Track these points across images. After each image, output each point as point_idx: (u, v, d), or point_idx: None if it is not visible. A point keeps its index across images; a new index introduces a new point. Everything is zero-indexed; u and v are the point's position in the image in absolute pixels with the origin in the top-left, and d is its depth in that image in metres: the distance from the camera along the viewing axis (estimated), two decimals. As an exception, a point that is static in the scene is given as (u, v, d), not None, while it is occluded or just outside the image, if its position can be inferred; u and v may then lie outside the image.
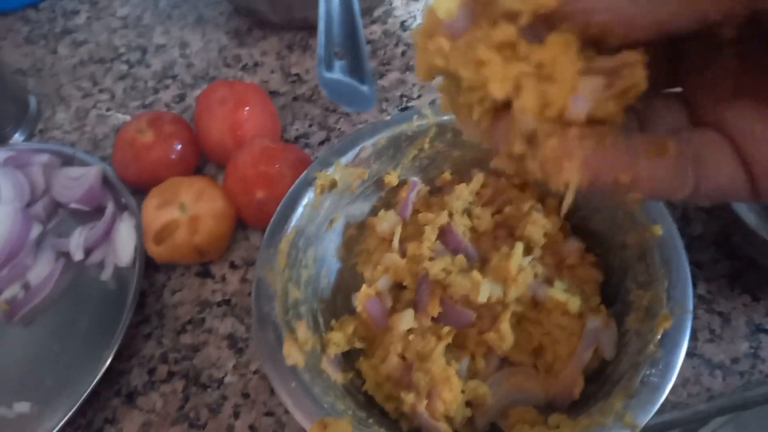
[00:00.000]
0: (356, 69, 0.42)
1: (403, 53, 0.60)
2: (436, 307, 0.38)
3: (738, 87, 0.19)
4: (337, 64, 0.41)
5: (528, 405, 0.37)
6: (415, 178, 0.44)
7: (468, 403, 0.37)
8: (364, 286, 0.39)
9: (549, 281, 0.39)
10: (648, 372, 0.33)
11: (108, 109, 0.61)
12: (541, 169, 0.19)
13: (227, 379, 0.43)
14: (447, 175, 0.44)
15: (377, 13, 0.64)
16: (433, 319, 0.39)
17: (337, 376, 0.37)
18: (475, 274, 0.36)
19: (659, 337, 0.33)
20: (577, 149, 0.18)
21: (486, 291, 0.36)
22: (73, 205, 0.51)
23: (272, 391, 0.42)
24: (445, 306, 0.38)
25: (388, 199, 0.44)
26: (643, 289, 0.36)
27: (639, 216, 0.38)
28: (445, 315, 0.38)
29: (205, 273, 0.48)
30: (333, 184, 0.41)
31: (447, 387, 0.35)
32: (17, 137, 0.59)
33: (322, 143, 0.55)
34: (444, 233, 0.40)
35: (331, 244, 0.43)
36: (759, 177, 0.18)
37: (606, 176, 0.19)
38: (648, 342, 0.34)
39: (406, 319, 0.38)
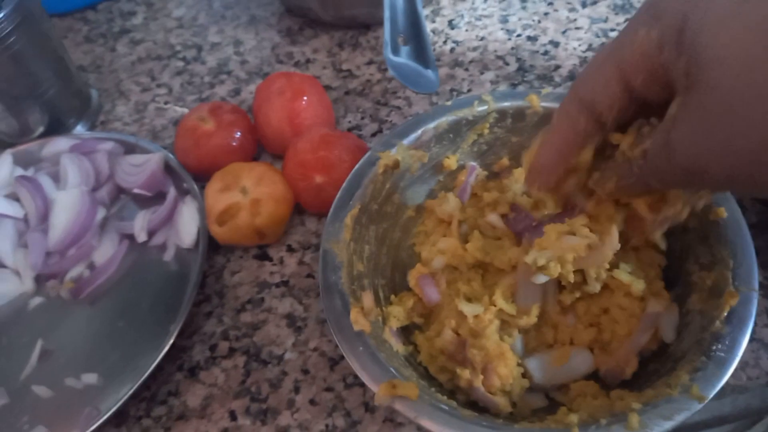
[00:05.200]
0: (420, 55, 0.43)
1: (452, 50, 0.62)
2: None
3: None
4: (403, 49, 0.43)
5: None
6: (473, 163, 0.45)
7: (525, 375, 0.37)
8: (418, 265, 0.41)
9: (613, 263, 0.39)
10: (714, 347, 0.33)
11: (166, 103, 0.63)
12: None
13: (287, 356, 0.44)
14: (505, 161, 0.45)
15: (425, 12, 0.66)
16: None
17: (398, 347, 0.38)
18: None
19: (726, 314, 0.34)
20: None
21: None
22: (135, 191, 0.53)
23: (331, 368, 0.43)
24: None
25: (446, 183, 0.45)
26: (706, 270, 0.37)
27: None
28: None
29: (263, 256, 0.50)
30: (395, 165, 0.42)
31: (502, 362, 0.36)
32: (79, 128, 0.62)
33: (374, 135, 0.56)
34: (512, 210, 0.41)
35: (390, 224, 0.44)
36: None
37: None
38: (713, 319, 0.34)
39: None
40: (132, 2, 0.76)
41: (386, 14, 0.42)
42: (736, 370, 0.34)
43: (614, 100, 0.28)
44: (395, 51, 0.42)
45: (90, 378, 0.44)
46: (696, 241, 0.38)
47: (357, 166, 0.42)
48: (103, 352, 0.46)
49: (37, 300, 0.49)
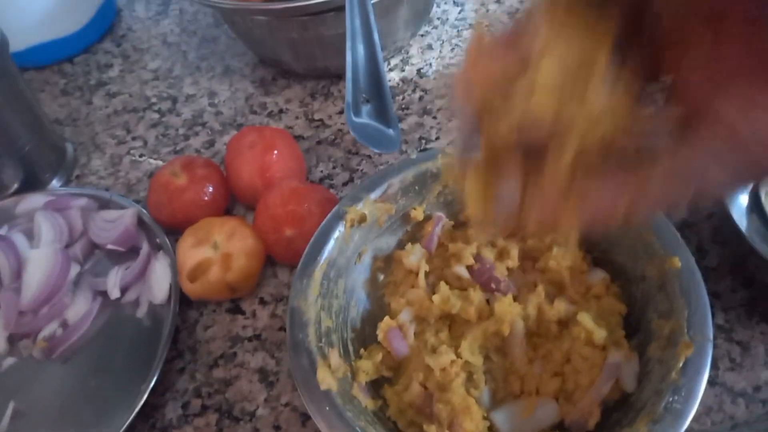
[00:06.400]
0: (382, 114, 0.45)
1: (421, 98, 0.63)
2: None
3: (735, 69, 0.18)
4: (364, 109, 0.44)
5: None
6: (440, 213, 0.46)
7: (491, 428, 0.38)
8: (386, 318, 0.41)
9: (574, 312, 0.40)
10: (671, 399, 0.34)
11: (141, 156, 0.64)
12: (539, 224, 0.21)
13: (259, 412, 0.44)
14: (469, 211, 0.46)
15: (395, 61, 0.68)
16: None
17: (367, 403, 0.38)
18: None
19: (681, 364, 0.35)
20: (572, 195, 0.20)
21: None
22: (109, 246, 0.53)
23: (303, 424, 0.43)
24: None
25: (414, 233, 0.46)
26: (664, 319, 0.38)
27: (657, 248, 0.39)
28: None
29: (235, 309, 0.50)
30: (362, 219, 0.43)
31: (468, 417, 0.37)
32: (55, 183, 0.62)
33: (345, 184, 0.57)
34: (477, 261, 0.42)
35: (359, 276, 0.45)
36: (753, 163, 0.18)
37: (602, 214, 0.20)
38: (670, 369, 0.35)
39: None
40: (109, 54, 0.78)
41: (348, 75, 0.44)
42: (699, 414, 0.35)
43: None
44: (357, 111, 0.43)
45: (62, 440, 0.44)
46: (654, 290, 0.39)
47: (324, 221, 0.43)
48: (76, 412, 0.46)
49: (9, 361, 0.49)
